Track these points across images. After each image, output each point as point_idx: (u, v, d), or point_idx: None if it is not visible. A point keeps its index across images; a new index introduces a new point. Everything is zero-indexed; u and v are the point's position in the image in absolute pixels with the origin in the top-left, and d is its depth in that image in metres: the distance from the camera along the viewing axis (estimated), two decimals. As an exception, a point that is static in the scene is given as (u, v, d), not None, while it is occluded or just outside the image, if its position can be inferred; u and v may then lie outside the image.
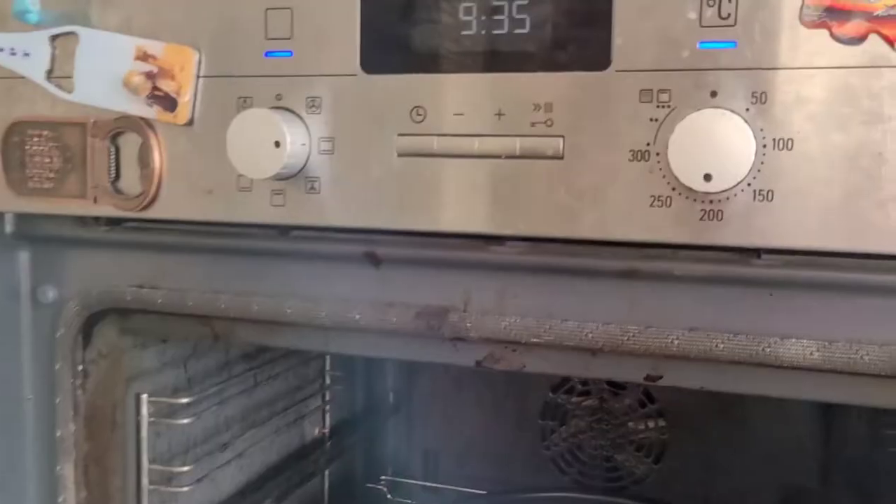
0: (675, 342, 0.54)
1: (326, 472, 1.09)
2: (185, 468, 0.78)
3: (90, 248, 0.67)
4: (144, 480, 0.75)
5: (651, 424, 1.13)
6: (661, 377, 0.59)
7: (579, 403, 1.15)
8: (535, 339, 0.57)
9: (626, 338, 0.55)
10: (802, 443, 1.06)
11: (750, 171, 0.47)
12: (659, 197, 0.49)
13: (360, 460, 1.21)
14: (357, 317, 0.60)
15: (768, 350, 0.52)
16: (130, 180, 0.61)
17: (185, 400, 0.78)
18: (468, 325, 0.58)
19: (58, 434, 0.70)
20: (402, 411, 1.23)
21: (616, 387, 1.13)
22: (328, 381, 1.08)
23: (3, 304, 0.70)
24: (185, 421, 0.78)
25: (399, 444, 1.23)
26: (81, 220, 0.66)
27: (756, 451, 1.06)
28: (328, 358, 1.08)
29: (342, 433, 1.12)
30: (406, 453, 1.22)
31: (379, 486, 1.17)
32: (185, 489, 0.78)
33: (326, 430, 1.09)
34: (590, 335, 0.55)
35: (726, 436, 1.07)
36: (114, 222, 0.65)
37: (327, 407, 1.08)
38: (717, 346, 0.53)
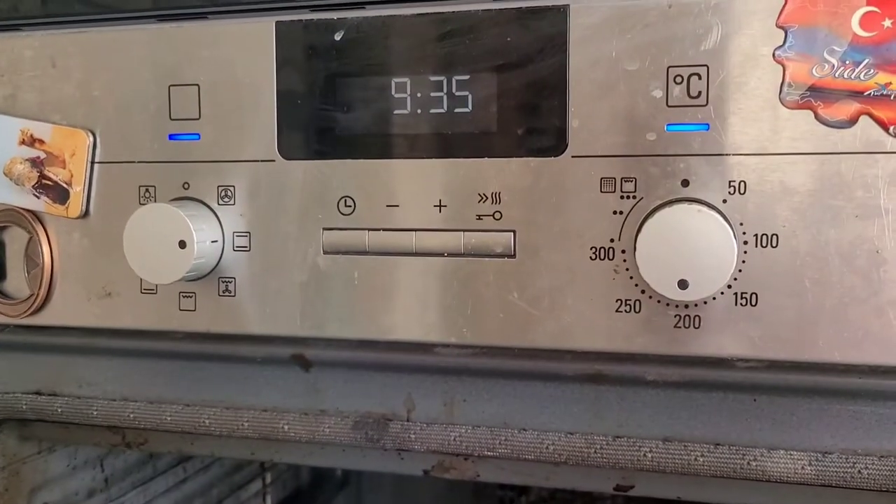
0: (649, 455, 0.47)
1: (269, 560, 1.00)
2: (101, 588, 0.69)
3: (-21, 351, 0.59)
4: None
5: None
6: (632, 487, 0.52)
7: (540, 471, 1.08)
8: (488, 453, 0.50)
9: (592, 450, 0.48)
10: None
11: (731, 273, 0.40)
12: (626, 301, 0.43)
13: (308, 541, 1.12)
14: (285, 427, 0.53)
15: (754, 464, 0.46)
16: (17, 282, 0.53)
17: (99, 510, 0.69)
18: (412, 436, 0.51)
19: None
20: (351, 485, 1.15)
21: (578, 453, 1.07)
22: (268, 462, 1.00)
23: None
24: (101, 532, 0.69)
25: (349, 521, 1.15)
26: (-32, 321, 0.58)
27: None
28: (268, 437, 0.99)
29: (286, 514, 1.04)
30: (357, 530, 1.14)
31: (328, 569, 1.08)
32: None
33: (268, 513, 1.01)
34: (551, 447, 0.49)
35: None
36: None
37: (268, 489, 1.00)
38: (695, 459, 0.47)
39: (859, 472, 0.44)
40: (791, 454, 0.45)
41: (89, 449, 0.71)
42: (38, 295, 0.51)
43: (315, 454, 0.57)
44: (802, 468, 0.45)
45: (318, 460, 0.59)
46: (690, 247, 0.40)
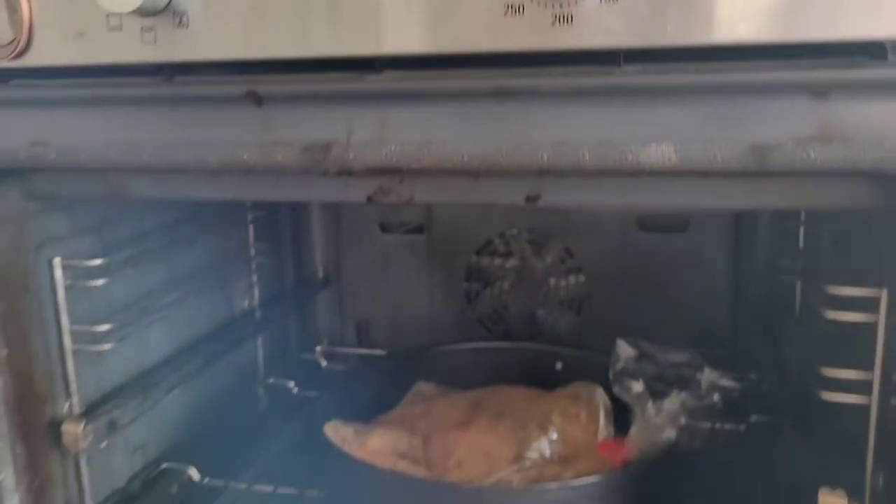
0: (545, 157, 0.56)
1: (260, 342, 1.12)
2: (106, 326, 0.79)
3: (-23, 108, 0.67)
4: (67, 341, 0.77)
5: (572, 280, 1.17)
6: (539, 196, 0.61)
7: (502, 265, 1.19)
8: (415, 165, 0.58)
9: (500, 156, 0.57)
10: (713, 286, 1.11)
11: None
12: (511, 6, 0.51)
13: (295, 333, 1.24)
14: (245, 157, 0.62)
15: (630, 157, 0.54)
16: (0, 27, 0.60)
17: (98, 261, 0.79)
18: (351, 156, 0.59)
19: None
20: (332, 285, 1.26)
21: (537, 245, 1.17)
22: (253, 252, 1.10)
23: None
24: (101, 281, 0.79)
25: (331, 317, 1.26)
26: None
27: (670, 298, 1.11)
28: (251, 230, 1.09)
29: (272, 305, 1.15)
30: (339, 324, 1.26)
31: (314, 356, 1.20)
32: (108, 346, 0.80)
33: (256, 302, 1.12)
34: (466, 157, 0.57)
35: (642, 286, 1.12)
36: (-3, 80, 0.65)
37: (255, 278, 1.10)
38: (583, 156, 0.55)
39: (715, 156, 0.53)
40: (660, 146, 0.54)
41: (86, 214, 0.81)
42: (20, 39, 0.59)
43: (271, 187, 0.66)
44: (670, 158, 0.54)
45: (273, 194, 0.68)
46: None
